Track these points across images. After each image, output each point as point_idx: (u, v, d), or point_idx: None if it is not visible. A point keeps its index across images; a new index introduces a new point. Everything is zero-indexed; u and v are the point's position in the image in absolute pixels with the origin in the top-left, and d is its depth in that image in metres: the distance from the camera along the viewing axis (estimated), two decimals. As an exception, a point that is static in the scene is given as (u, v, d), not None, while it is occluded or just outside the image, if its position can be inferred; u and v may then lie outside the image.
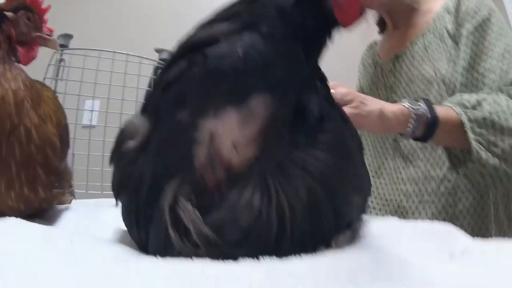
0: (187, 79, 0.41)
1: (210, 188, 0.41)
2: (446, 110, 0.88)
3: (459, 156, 0.96)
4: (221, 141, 0.40)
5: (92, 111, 1.31)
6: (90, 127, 1.35)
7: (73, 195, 0.77)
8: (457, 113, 0.87)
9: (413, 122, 0.86)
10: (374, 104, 0.85)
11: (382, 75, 1.16)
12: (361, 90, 1.24)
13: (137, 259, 0.34)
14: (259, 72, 0.39)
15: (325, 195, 0.42)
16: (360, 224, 0.59)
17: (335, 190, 0.43)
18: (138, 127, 0.46)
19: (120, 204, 0.48)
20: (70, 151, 1.10)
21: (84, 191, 1.09)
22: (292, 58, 0.41)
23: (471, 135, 0.86)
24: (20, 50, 0.65)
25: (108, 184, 0.50)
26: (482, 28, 0.97)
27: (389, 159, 1.12)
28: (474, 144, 0.85)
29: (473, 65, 0.96)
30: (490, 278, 0.43)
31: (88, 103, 1.45)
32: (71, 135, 1.11)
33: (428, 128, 0.86)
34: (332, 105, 0.48)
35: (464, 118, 0.86)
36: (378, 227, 0.61)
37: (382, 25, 1.27)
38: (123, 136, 0.48)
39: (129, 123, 0.48)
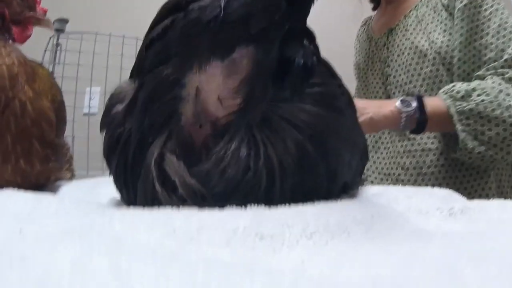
0: (170, 35, 0.41)
1: (198, 145, 0.41)
2: (437, 103, 0.94)
3: (449, 143, 1.00)
4: (207, 95, 0.40)
5: (91, 97, 1.31)
6: (89, 114, 1.35)
7: (72, 174, 0.78)
8: (447, 106, 0.92)
9: (403, 122, 0.93)
10: (365, 113, 0.92)
11: (377, 49, 1.16)
12: (358, 66, 1.25)
13: (122, 211, 0.34)
14: (241, 23, 0.39)
15: (314, 148, 0.41)
16: (357, 191, 0.58)
17: (325, 143, 0.42)
18: (127, 91, 0.46)
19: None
20: (70, 134, 1.12)
21: (85, 172, 1.10)
22: (275, 9, 0.40)
23: (459, 127, 0.91)
24: (15, 29, 0.66)
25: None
26: (476, 1, 0.96)
27: (385, 133, 1.13)
28: (462, 135, 0.91)
29: (470, 41, 0.97)
30: (491, 233, 0.42)
31: (88, 91, 1.44)
32: (70, 117, 1.12)
33: (418, 124, 0.93)
34: (320, 61, 0.47)
35: (453, 111, 0.91)
36: (375, 189, 0.61)
37: (375, 1, 1.28)
38: (112, 101, 0.47)
39: (117, 87, 0.48)
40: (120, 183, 0.45)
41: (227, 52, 0.39)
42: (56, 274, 0.21)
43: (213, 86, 0.40)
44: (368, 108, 0.94)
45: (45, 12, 0.73)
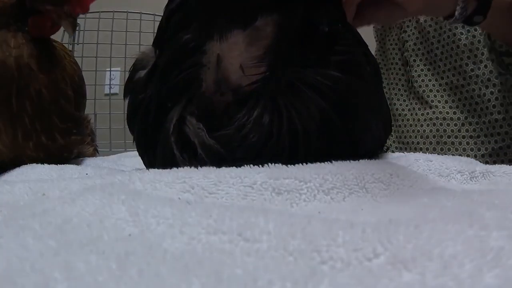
0: (190, 2, 0.40)
1: (219, 112, 0.40)
2: None
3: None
4: (229, 63, 0.39)
5: (111, 73, 1.32)
6: (110, 95, 1.36)
7: (95, 149, 0.79)
8: None
9: None
10: None
11: None
12: (376, 32, 1.21)
13: (143, 171, 0.35)
14: None
15: (337, 114, 0.40)
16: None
17: (348, 110, 0.41)
18: (149, 57, 0.46)
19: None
20: (92, 112, 1.14)
21: (108, 150, 1.12)
22: None
23: None
24: (32, 19, 0.59)
25: (131, 141, 0.50)
26: None
27: (401, 101, 1.10)
28: None
29: None
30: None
31: (107, 73, 1.45)
32: (92, 96, 1.14)
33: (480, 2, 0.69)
34: (346, 28, 0.46)
35: None
36: (395, 154, 0.60)
37: None
38: (135, 67, 0.48)
39: (141, 54, 0.48)
40: (142, 149, 0.45)
41: (249, 21, 0.38)
42: (75, 220, 0.22)
43: (235, 54, 0.39)
44: None
45: (76, 13, 0.61)
